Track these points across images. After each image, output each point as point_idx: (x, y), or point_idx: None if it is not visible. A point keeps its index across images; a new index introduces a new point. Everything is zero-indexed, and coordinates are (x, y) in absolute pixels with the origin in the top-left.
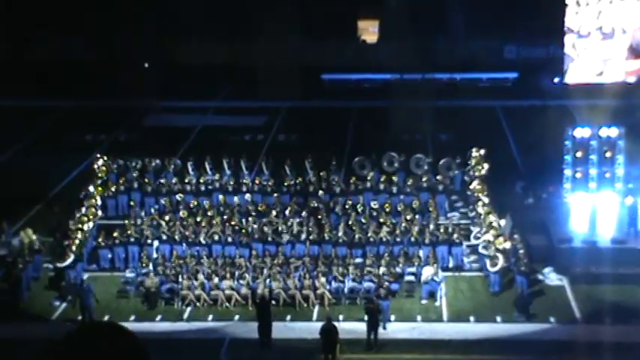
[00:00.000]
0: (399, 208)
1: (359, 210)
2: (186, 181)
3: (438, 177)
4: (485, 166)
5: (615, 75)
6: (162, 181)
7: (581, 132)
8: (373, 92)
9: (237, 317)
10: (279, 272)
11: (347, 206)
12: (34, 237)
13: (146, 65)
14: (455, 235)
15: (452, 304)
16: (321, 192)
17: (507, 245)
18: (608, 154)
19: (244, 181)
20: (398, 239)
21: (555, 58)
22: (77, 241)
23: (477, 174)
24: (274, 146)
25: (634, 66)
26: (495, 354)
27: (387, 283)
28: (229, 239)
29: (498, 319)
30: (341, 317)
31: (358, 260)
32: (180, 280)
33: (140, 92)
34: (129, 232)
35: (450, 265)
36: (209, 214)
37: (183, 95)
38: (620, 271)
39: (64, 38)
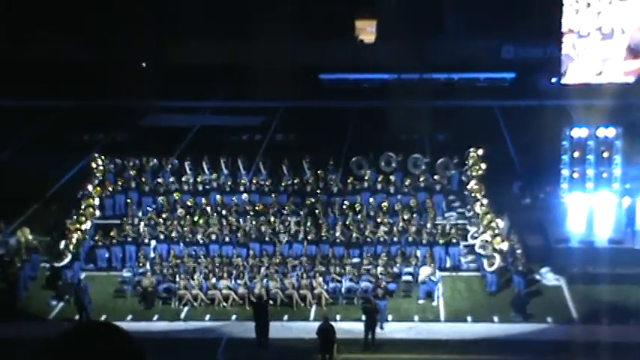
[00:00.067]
0: (396, 208)
1: (356, 210)
2: (184, 180)
3: (436, 177)
4: (483, 166)
5: (614, 75)
6: (159, 180)
7: (579, 132)
8: (371, 92)
9: (234, 317)
10: (277, 272)
11: (344, 206)
12: (30, 237)
13: (143, 65)
14: (452, 235)
15: (449, 304)
16: (318, 192)
17: (505, 246)
18: (605, 154)
19: (242, 180)
20: (395, 239)
21: (553, 58)
22: (74, 241)
23: (474, 174)
24: (272, 146)
25: (633, 66)
26: (492, 354)
27: (384, 283)
28: (227, 239)
29: (495, 319)
30: (338, 317)
31: (355, 260)
32: (177, 279)
33: (138, 92)
34: (126, 231)
35: (448, 265)
36: (207, 213)
37: (180, 95)
38: (618, 271)
39: (63, 38)
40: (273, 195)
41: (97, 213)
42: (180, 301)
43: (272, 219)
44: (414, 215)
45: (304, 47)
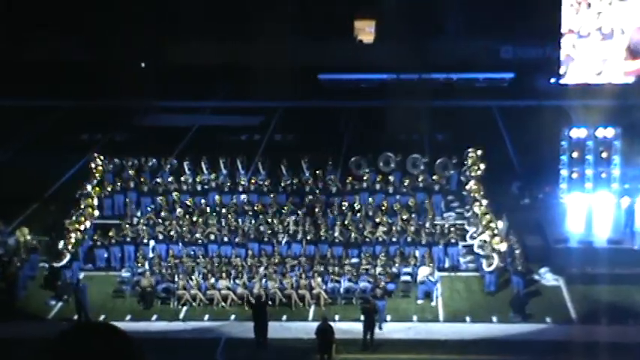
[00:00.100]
0: (395, 208)
1: (355, 210)
2: (183, 180)
3: (435, 177)
4: (482, 166)
5: (614, 75)
6: (158, 180)
7: (578, 132)
8: (370, 92)
9: (233, 317)
10: (275, 272)
11: (343, 206)
12: (29, 236)
13: (142, 65)
14: (451, 236)
15: (448, 304)
16: (317, 192)
17: (503, 246)
18: (604, 155)
19: (241, 180)
20: (394, 239)
21: (551, 58)
22: (73, 241)
23: (473, 174)
24: (271, 146)
25: (632, 66)
26: (491, 354)
27: (383, 283)
28: (225, 239)
29: (494, 319)
30: (337, 317)
31: (354, 260)
32: (176, 279)
33: (137, 92)
34: (125, 231)
35: (446, 265)
36: (205, 213)
37: (179, 95)
38: (616, 271)
39: (63, 38)
40: (271, 195)
41: (96, 213)
42: (179, 301)
43: (271, 219)
44: (413, 215)
45: (303, 47)
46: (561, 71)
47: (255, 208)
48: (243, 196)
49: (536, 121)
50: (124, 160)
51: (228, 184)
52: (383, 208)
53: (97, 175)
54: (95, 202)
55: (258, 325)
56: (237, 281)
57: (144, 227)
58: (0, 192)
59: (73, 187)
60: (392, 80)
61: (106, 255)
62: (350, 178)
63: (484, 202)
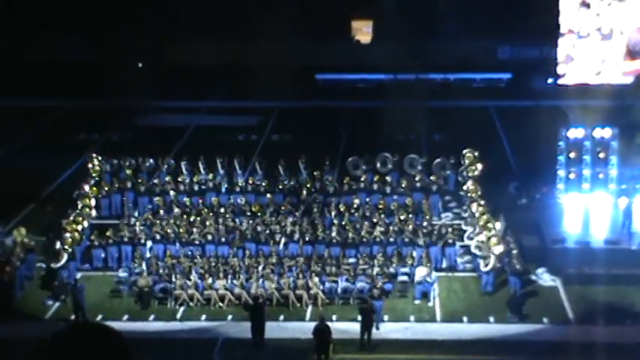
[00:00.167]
0: (392, 208)
1: (352, 210)
2: (180, 180)
3: (432, 177)
4: (479, 166)
5: (613, 76)
6: (155, 181)
7: (575, 133)
8: (367, 92)
9: (230, 317)
10: (273, 272)
11: (340, 206)
12: (26, 236)
13: (140, 65)
14: (448, 236)
15: (445, 305)
16: (314, 192)
17: (500, 248)
18: (601, 155)
19: (238, 181)
20: (391, 239)
21: (549, 59)
22: (70, 241)
23: (470, 174)
24: (268, 146)
25: (631, 67)
26: (488, 354)
27: (380, 283)
28: (222, 239)
29: (491, 319)
30: (334, 317)
31: (352, 260)
32: (173, 279)
33: (137, 92)
34: (122, 231)
35: (444, 265)
36: (203, 213)
37: (176, 95)
38: (614, 271)
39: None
40: (269, 195)
41: (93, 213)
42: (177, 301)
43: (268, 219)
44: (410, 215)
45: (301, 47)
46: (561, 71)
47: (253, 209)
48: (240, 197)
49: (534, 121)
50: (121, 160)
51: (226, 184)
52: (380, 207)
53: (94, 175)
54: (92, 202)
55: (256, 325)
56: (234, 281)
57: (141, 227)
58: None
59: (71, 187)
60: (389, 80)
61: (103, 255)
62: (347, 178)
63: (481, 202)
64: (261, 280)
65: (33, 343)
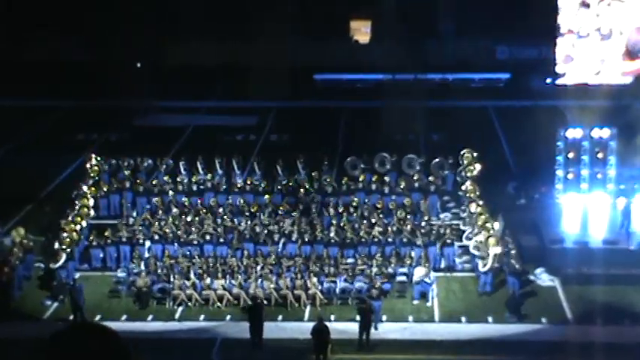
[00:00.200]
0: (390, 207)
1: (351, 210)
2: (178, 180)
3: (430, 177)
4: (478, 166)
5: (612, 76)
6: (154, 181)
7: (573, 133)
8: (365, 92)
9: (228, 317)
10: (271, 272)
11: (339, 206)
12: (24, 237)
13: (138, 65)
14: (447, 236)
15: (443, 305)
16: (313, 192)
17: (497, 249)
18: (600, 155)
19: (237, 182)
20: (390, 239)
21: (547, 59)
22: (68, 241)
23: (469, 174)
24: (266, 146)
25: (630, 67)
26: (487, 354)
27: (379, 284)
28: (221, 239)
29: (490, 319)
30: (333, 317)
31: (350, 260)
32: (171, 279)
33: (137, 92)
34: (121, 231)
35: (442, 265)
36: (201, 213)
37: (175, 95)
38: (612, 271)
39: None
40: (267, 196)
41: (92, 213)
42: (175, 301)
43: (267, 219)
44: (409, 216)
45: (299, 47)
46: (560, 71)
47: (252, 209)
48: (238, 197)
49: (532, 121)
50: (119, 161)
51: (224, 184)
52: (379, 208)
53: (92, 175)
54: (91, 202)
55: (254, 325)
56: (232, 281)
57: (140, 227)
58: None
59: (70, 187)
60: (388, 80)
61: (101, 255)
62: (346, 178)
63: (480, 202)
64: (259, 280)
65: (31, 343)
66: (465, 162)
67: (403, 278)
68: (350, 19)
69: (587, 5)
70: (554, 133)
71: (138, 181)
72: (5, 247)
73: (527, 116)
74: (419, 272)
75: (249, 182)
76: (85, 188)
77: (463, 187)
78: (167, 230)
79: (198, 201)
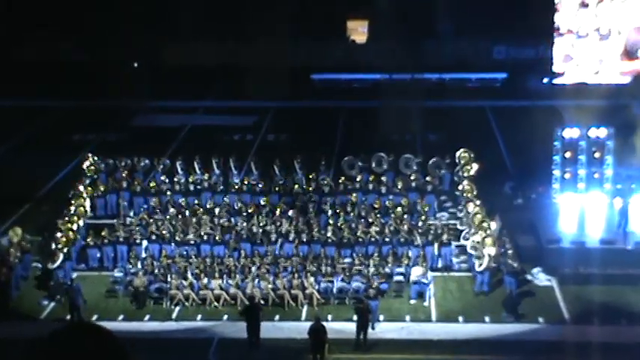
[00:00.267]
0: (388, 205)
1: (348, 210)
2: (176, 180)
3: (428, 177)
4: (475, 166)
5: (610, 75)
6: (151, 181)
7: (570, 132)
8: (362, 92)
9: (225, 317)
10: (268, 272)
11: (336, 206)
12: (22, 236)
13: (135, 65)
14: (444, 236)
15: (441, 305)
16: (310, 192)
17: (492, 250)
18: (597, 155)
19: (234, 182)
20: (387, 239)
21: (544, 58)
22: (64, 240)
23: (466, 174)
24: (263, 146)
25: (629, 67)
26: (484, 354)
27: (376, 283)
28: (218, 239)
29: (487, 319)
30: (330, 317)
31: (347, 260)
32: (168, 279)
33: (131, 92)
34: (118, 231)
35: (439, 265)
36: (198, 213)
37: (172, 95)
38: (609, 271)
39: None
40: (264, 196)
41: (89, 213)
42: (172, 301)
43: (264, 219)
44: (406, 215)
45: (296, 47)
46: (560, 70)
47: (249, 210)
48: (236, 197)
49: (529, 121)
50: (116, 160)
51: (221, 184)
52: (376, 207)
53: (89, 174)
54: (87, 202)
55: (251, 325)
56: (229, 281)
57: (137, 227)
58: None
59: (66, 187)
60: (385, 80)
61: (98, 255)
62: (343, 178)
63: (477, 202)
64: (256, 280)
65: (28, 343)
66: (462, 162)
67: (400, 278)
68: (347, 18)
69: (587, 5)
70: (551, 132)
71: (135, 181)
72: (2, 246)
73: (524, 116)
74: (416, 272)
75: (246, 182)
76: (81, 188)
77: (460, 187)
78: (164, 230)
79: (195, 201)
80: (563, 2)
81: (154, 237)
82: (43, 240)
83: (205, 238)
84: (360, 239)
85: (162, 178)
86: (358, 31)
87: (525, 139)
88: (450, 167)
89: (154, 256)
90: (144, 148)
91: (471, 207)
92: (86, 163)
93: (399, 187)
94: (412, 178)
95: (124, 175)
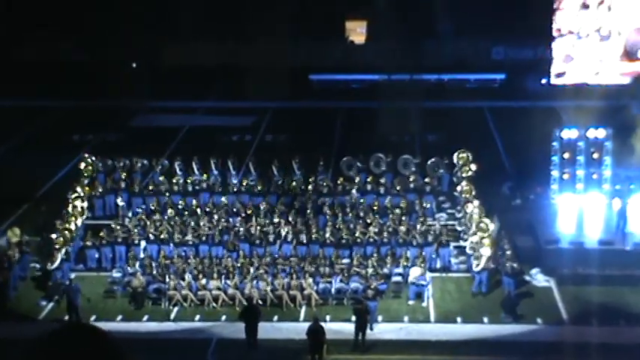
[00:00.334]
0: (387, 205)
1: (347, 211)
2: (174, 181)
3: (426, 179)
4: (473, 167)
5: (610, 76)
6: (149, 182)
7: (569, 133)
8: (361, 93)
9: (224, 317)
10: (267, 272)
11: (335, 207)
12: (20, 237)
13: (134, 65)
14: (442, 236)
15: (439, 305)
16: (308, 192)
17: (489, 249)
18: (595, 156)
19: (232, 182)
20: (385, 240)
21: (543, 59)
22: (62, 240)
23: (464, 175)
24: (262, 147)
25: (629, 68)
26: (482, 355)
27: (374, 284)
28: (216, 240)
29: (485, 320)
30: (328, 318)
31: (346, 261)
32: (167, 280)
33: (131, 92)
34: (116, 232)
35: (438, 265)
36: (196, 213)
37: (170, 95)
38: (607, 272)
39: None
40: (263, 196)
41: (86, 213)
42: (170, 301)
43: (262, 220)
44: (404, 216)
45: (295, 48)
46: (561, 70)
47: (248, 211)
48: (234, 198)
49: (528, 121)
50: (115, 161)
51: (220, 184)
52: (374, 208)
53: (87, 175)
54: (85, 202)
55: (249, 325)
56: (228, 282)
57: (135, 228)
58: None
59: (65, 187)
60: (383, 81)
61: (97, 255)
62: (341, 178)
63: (475, 202)
64: (255, 281)
65: (27, 343)
66: (460, 162)
67: (399, 279)
68: (345, 19)
69: (587, 6)
70: (550, 133)
71: (133, 181)
72: (1, 247)
73: (523, 117)
74: (415, 273)
75: (244, 183)
76: (78, 189)
77: (459, 188)
78: (163, 231)
79: (194, 201)
80: (564, 3)
81: (152, 237)
82: (41, 240)
83: (204, 238)
84: (359, 240)
85: (161, 178)
86: (357, 32)
87: (524, 139)
88: (448, 168)
89: (153, 257)
90: (143, 149)
91: (469, 208)
92: (83, 164)
93: (398, 187)
94: (411, 178)
95: (122, 175)
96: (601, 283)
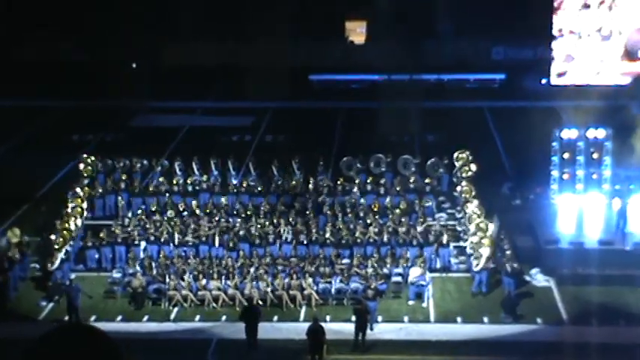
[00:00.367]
0: (387, 204)
1: (347, 211)
2: (174, 181)
3: (426, 179)
4: (473, 167)
5: (611, 76)
6: (149, 182)
7: (569, 133)
8: (361, 93)
9: (224, 318)
10: (267, 272)
11: (335, 207)
12: (20, 237)
13: (134, 66)
14: (442, 237)
15: (439, 305)
16: (308, 193)
17: (488, 249)
18: (595, 156)
19: (232, 182)
20: (385, 240)
21: (543, 59)
22: (61, 241)
23: (464, 175)
24: (262, 147)
25: (629, 68)
26: (482, 355)
27: (374, 284)
28: (216, 240)
29: (485, 320)
30: (328, 318)
31: (346, 261)
32: (167, 280)
33: (128, 93)
34: (116, 232)
35: (438, 266)
36: (196, 214)
37: (170, 96)
38: (607, 272)
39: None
40: (262, 196)
41: (87, 214)
42: (170, 301)
43: (262, 220)
44: (404, 217)
45: (294, 48)
46: (562, 70)
47: (248, 212)
48: (234, 198)
49: (527, 121)
50: (115, 161)
51: (220, 185)
52: (374, 208)
53: (87, 175)
54: (85, 202)
55: (249, 326)
56: (228, 282)
57: (135, 228)
58: None
59: (65, 187)
60: (383, 81)
61: (97, 256)
62: (341, 179)
63: (475, 202)
64: (255, 281)
65: (27, 344)
66: (460, 163)
67: (399, 279)
68: (345, 19)
69: (588, 6)
70: (549, 133)
71: (133, 181)
72: (1, 247)
73: (523, 117)
74: (414, 273)
75: (244, 183)
76: (78, 189)
77: (458, 188)
78: (163, 231)
79: (194, 202)
80: (564, 3)
81: (152, 238)
82: (41, 241)
83: (204, 239)
84: (359, 240)
85: (161, 179)
86: (356, 32)
87: (523, 139)
88: (448, 168)
89: (153, 257)
90: (143, 149)
91: (469, 208)
92: (82, 165)
93: (398, 188)
94: (411, 179)
95: (122, 176)
96: (601, 283)
